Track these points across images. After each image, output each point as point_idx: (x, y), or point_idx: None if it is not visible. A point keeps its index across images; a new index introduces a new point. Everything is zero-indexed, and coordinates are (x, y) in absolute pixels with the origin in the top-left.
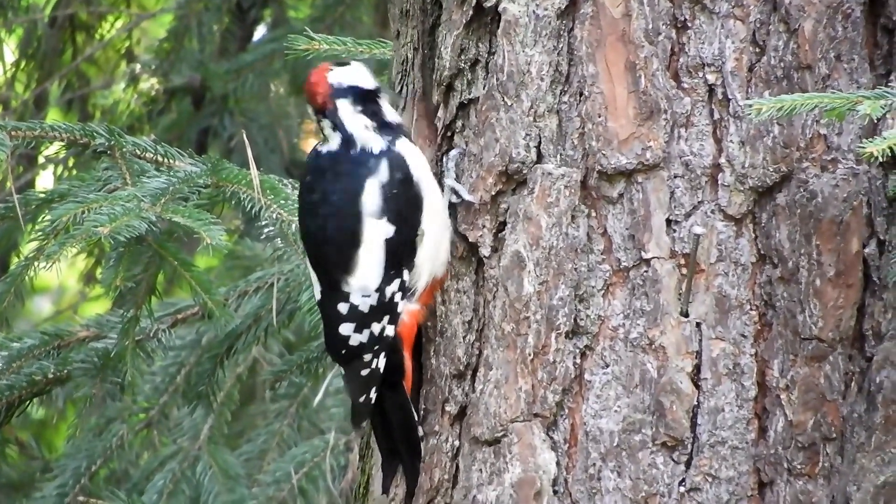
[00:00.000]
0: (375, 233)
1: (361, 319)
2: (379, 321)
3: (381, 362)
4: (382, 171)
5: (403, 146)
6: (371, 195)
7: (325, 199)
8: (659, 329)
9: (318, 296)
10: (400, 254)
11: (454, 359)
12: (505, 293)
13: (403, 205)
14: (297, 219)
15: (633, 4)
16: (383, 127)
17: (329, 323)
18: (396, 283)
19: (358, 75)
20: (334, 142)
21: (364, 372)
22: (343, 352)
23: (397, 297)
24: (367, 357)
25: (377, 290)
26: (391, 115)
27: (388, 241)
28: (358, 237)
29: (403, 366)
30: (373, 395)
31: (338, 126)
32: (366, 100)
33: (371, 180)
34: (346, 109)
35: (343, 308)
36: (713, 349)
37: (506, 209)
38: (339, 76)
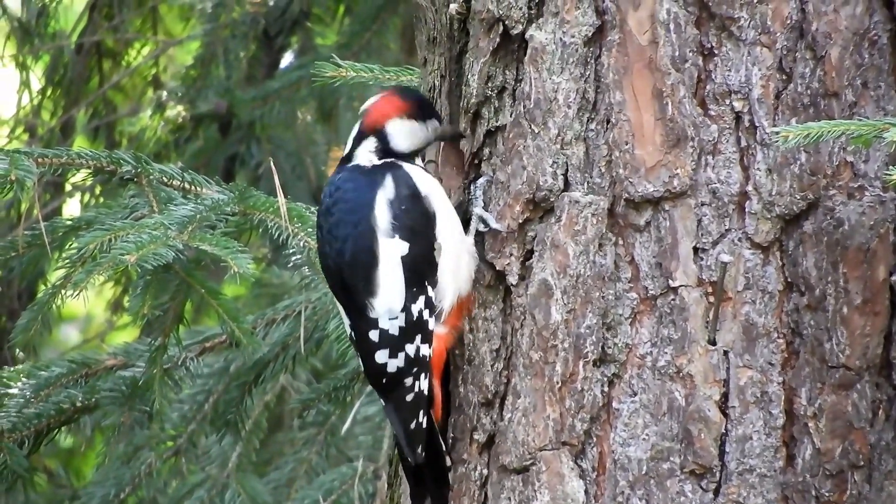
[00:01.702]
0: (390, 251)
1: (394, 343)
2: (412, 342)
3: (424, 384)
4: (388, 186)
5: (409, 167)
6: (381, 211)
7: (340, 222)
8: (686, 357)
9: (348, 330)
10: (420, 270)
11: (482, 387)
12: (532, 321)
13: (413, 220)
14: None
15: (659, 31)
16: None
17: (365, 355)
18: (422, 300)
19: (407, 137)
20: (346, 150)
21: (409, 397)
22: (384, 381)
23: (426, 315)
24: (409, 381)
25: (403, 310)
26: (416, 161)
27: (405, 259)
28: (375, 256)
29: (432, 393)
30: (423, 419)
31: (356, 146)
32: (393, 154)
33: (380, 195)
34: (370, 146)
35: (374, 335)
36: (741, 377)
37: (533, 237)
38: (395, 127)
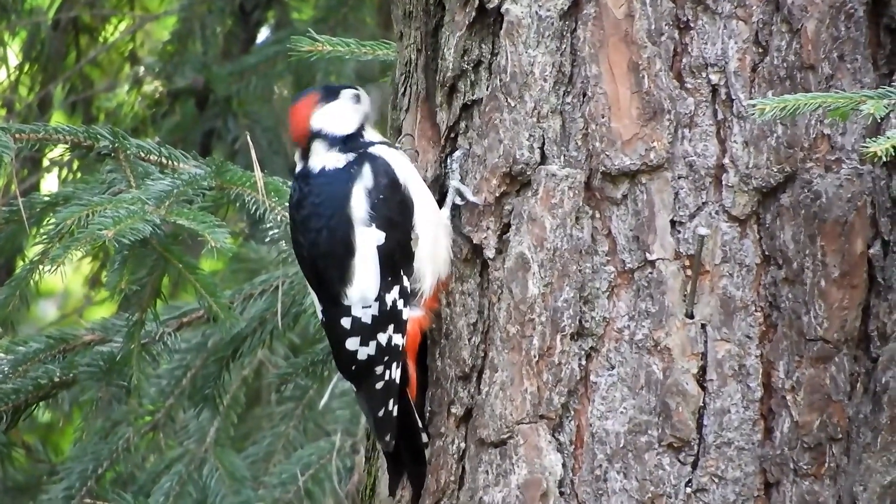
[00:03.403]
0: (366, 240)
1: (366, 331)
2: (384, 331)
3: (396, 373)
4: (366, 176)
5: (383, 151)
6: (358, 201)
7: (315, 212)
8: (664, 330)
9: (320, 316)
10: (395, 260)
11: (459, 361)
12: (510, 295)
13: (391, 210)
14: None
15: (635, 5)
16: (352, 150)
17: (335, 341)
18: (396, 289)
19: (339, 120)
20: (299, 168)
21: (379, 385)
22: (353, 367)
23: (400, 304)
24: (379, 370)
25: (377, 300)
26: (372, 136)
27: (380, 248)
28: (351, 246)
29: (407, 373)
30: (392, 406)
31: (305, 160)
32: (343, 141)
33: (357, 185)
34: (320, 150)
35: (346, 323)
36: (718, 350)
37: (510, 211)
38: (320, 120)
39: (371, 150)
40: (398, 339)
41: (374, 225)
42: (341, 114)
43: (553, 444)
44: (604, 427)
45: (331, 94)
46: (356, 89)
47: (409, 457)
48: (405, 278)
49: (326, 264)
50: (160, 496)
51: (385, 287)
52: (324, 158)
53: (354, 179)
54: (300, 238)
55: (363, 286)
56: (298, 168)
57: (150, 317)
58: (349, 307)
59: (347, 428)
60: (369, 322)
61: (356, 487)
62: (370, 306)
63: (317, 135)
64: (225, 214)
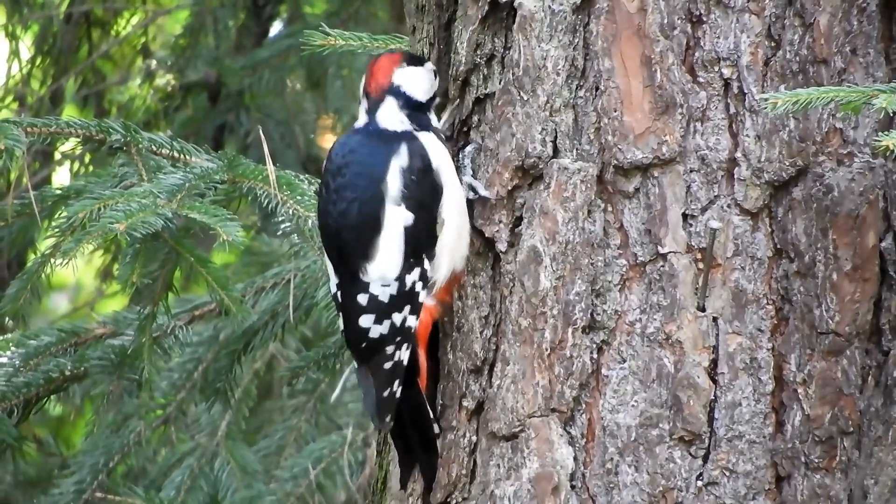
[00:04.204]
0: (395, 219)
1: (382, 310)
2: (400, 311)
3: (405, 355)
4: (403, 155)
5: (425, 137)
6: (393, 178)
7: (352, 182)
8: (676, 324)
9: (333, 289)
10: (420, 242)
11: (471, 354)
12: (521, 288)
13: (422, 193)
14: (313, 214)
15: None
16: (415, 121)
17: (348, 316)
18: (417, 272)
19: (418, 84)
20: (361, 122)
21: (387, 365)
22: (363, 345)
23: (419, 287)
24: (390, 350)
25: (397, 280)
26: (433, 120)
27: (407, 229)
28: (379, 222)
29: (418, 363)
30: (397, 388)
31: (372, 113)
32: (414, 107)
33: (394, 162)
34: (391, 107)
35: (363, 299)
36: (730, 344)
37: (522, 204)
38: (402, 77)
39: (418, 133)
40: (412, 322)
41: (404, 205)
42: (422, 80)
43: (564, 437)
44: (615, 420)
45: (416, 60)
46: (434, 66)
47: (422, 445)
48: (426, 262)
49: (352, 237)
50: (171, 490)
51: (407, 268)
52: (391, 116)
53: (392, 155)
54: (329, 208)
55: (385, 264)
56: (361, 122)
57: (162, 310)
58: (367, 284)
59: (359, 421)
60: (386, 301)
61: (367, 481)
62: (389, 285)
63: (394, 91)
64: (237, 208)
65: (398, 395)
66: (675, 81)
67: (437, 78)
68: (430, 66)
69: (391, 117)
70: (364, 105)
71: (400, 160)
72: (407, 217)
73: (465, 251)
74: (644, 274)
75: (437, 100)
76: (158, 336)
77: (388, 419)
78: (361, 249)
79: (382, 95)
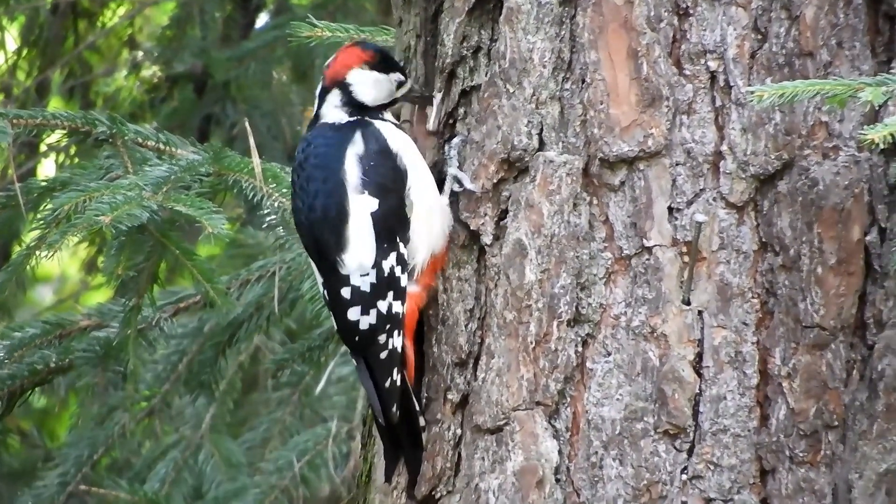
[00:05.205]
0: (360, 206)
1: (366, 300)
2: (384, 298)
3: (398, 342)
4: (357, 142)
5: (381, 124)
6: (351, 167)
7: (313, 175)
8: (661, 317)
9: (321, 289)
10: (390, 226)
11: (456, 347)
12: (507, 281)
13: (384, 178)
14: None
15: None
16: (361, 114)
17: (338, 313)
18: (393, 256)
19: (370, 89)
20: (314, 111)
21: (383, 355)
22: (357, 338)
23: (398, 272)
24: (382, 339)
25: (374, 266)
26: (387, 116)
27: (374, 215)
28: (345, 212)
29: (405, 353)
30: (397, 377)
31: (320, 103)
32: (357, 106)
33: (350, 150)
34: (334, 101)
35: (346, 292)
36: (715, 337)
37: (507, 197)
38: (356, 78)
39: (370, 119)
40: (398, 307)
41: (366, 192)
42: (378, 87)
43: (549, 430)
44: (600, 414)
45: (384, 66)
46: (406, 78)
47: (407, 438)
48: (401, 245)
49: (323, 230)
50: (156, 482)
51: (381, 254)
52: (333, 111)
53: (347, 144)
54: (299, 204)
55: (359, 253)
56: (314, 111)
57: (147, 302)
58: (348, 276)
59: (344, 414)
60: (368, 290)
61: (352, 474)
62: (367, 274)
63: (343, 87)
64: (222, 200)
65: (399, 383)
66: (662, 74)
67: (406, 89)
68: (396, 77)
69: (334, 111)
70: (318, 89)
71: (355, 148)
72: (371, 203)
73: (440, 231)
74: (629, 267)
75: (397, 105)
76: (143, 328)
77: (393, 410)
78: (334, 241)
79: (332, 86)
